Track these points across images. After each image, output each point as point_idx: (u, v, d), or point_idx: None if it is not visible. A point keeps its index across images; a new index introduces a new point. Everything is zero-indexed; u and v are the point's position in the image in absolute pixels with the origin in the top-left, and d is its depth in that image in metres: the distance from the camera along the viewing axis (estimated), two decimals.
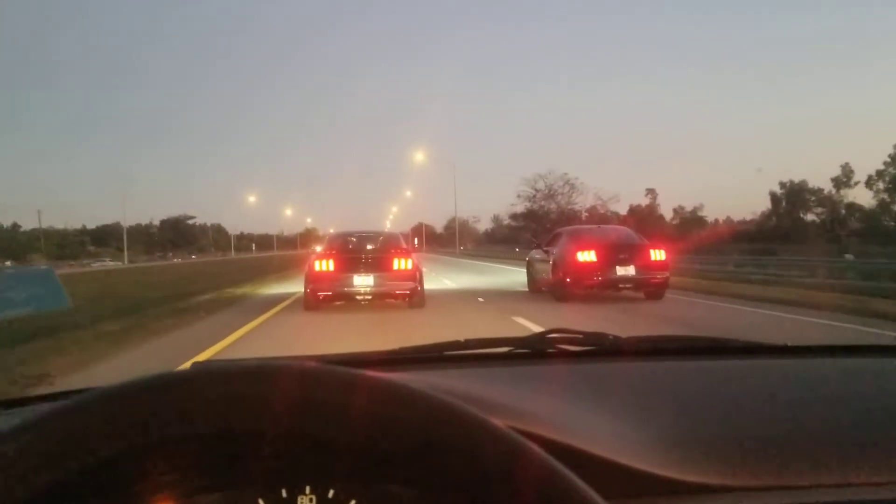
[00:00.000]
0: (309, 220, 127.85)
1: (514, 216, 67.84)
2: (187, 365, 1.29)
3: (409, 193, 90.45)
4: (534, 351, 1.31)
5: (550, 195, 63.67)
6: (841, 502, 0.70)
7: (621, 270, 11.24)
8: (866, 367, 1.23)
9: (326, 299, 10.31)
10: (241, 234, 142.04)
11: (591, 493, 0.46)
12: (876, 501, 0.70)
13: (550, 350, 1.30)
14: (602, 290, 11.54)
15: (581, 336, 1.32)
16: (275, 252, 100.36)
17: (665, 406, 0.93)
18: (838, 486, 0.72)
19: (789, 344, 1.38)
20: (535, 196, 64.62)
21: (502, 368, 1.20)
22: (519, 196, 64.77)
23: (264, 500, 0.60)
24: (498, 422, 0.49)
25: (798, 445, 0.80)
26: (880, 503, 0.70)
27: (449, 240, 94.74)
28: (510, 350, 1.30)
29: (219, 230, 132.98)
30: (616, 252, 11.38)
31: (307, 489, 0.59)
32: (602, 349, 1.32)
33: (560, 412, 0.85)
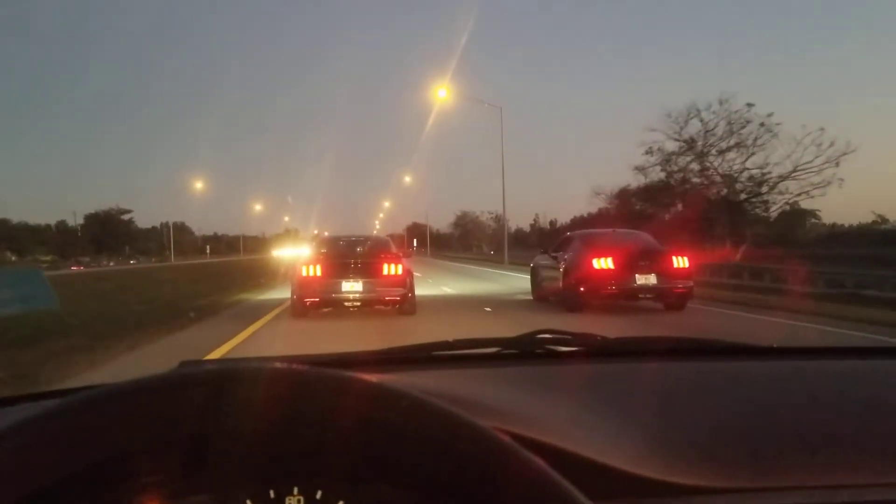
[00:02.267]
0: (286, 218, 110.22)
1: (625, 193, 35.75)
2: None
3: (408, 179, 77.46)
4: (522, 352, 1.30)
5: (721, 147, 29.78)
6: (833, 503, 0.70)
7: (641, 279, 10.16)
8: (852, 369, 1.23)
9: (314, 306, 9.88)
10: (215, 234, 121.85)
11: (578, 495, 0.46)
12: (860, 503, 0.70)
13: (539, 351, 1.29)
14: (619, 300, 10.41)
15: (570, 337, 1.31)
16: (239, 257, 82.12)
17: (652, 407, 0.93)
18: (823, 487, 0.72)
19: (775, 346, 1.38)
20: (689, 147, 30.37)
21: (490, 369, 1.20)
22: (649, 151, 31.40)
23: (252, 501, 0.59)
24: (485, 424, 0.49)
25: (784, 447, 0.80)
26: None
27: (461, 241, 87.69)
28: (498, 351, 1.29)
29: (182, 230, 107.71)
30: (636, 259, 10.30)
31: (295, 490, 0.59)
32: (590, 350, 1.32)
33: (548, 413, 0.85)
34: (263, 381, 0.49)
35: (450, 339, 1.28)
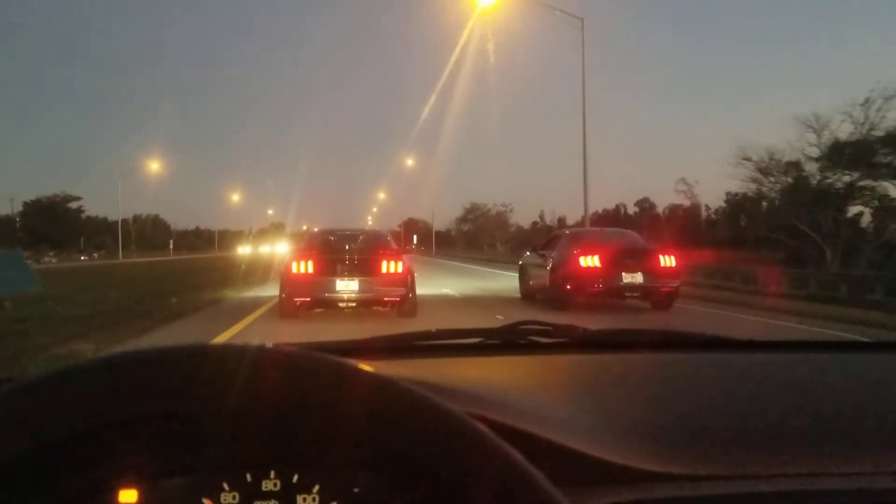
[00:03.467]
0: (270, 211, 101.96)
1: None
2: None
3: (409, 161, 62.63)
4: (504, 342, 1.32)
5: None
6: (798, 491, 0.71)
7: (628, 277, 10.21)
8: (830, 362, 1.26)
9: (304, 306, 9.15)
10: (197, 229, 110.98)
11: (547, 484, 0.47)
12: (834, 491, 0.72)
13: (521, 341, 1.31)
14: (605, 298, 10.44)
15: (551, 328, 1.32)
16: (213, 253, 72.77)
17: (632, 397, 0.95)
18: (796, 475, 0.73)
19: (756, 339, 1.39)
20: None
21: (472, 359, 1.22)
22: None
23: (228, 484, 0.59)
24: (459, 410, 0.50)
25: (760, 436, 0.81)
26: (838, 493, 0.71)
27: (468, 239, 76.65)
28: (480, 341, 1.30)
29: (155, 223, 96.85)
30: (622, 257, 10.38)
31: (272, 474, 0.59)
32: (572, 341, 1.32)
33: (526, 402, 0.85)
34: (240, 361, 0.49)
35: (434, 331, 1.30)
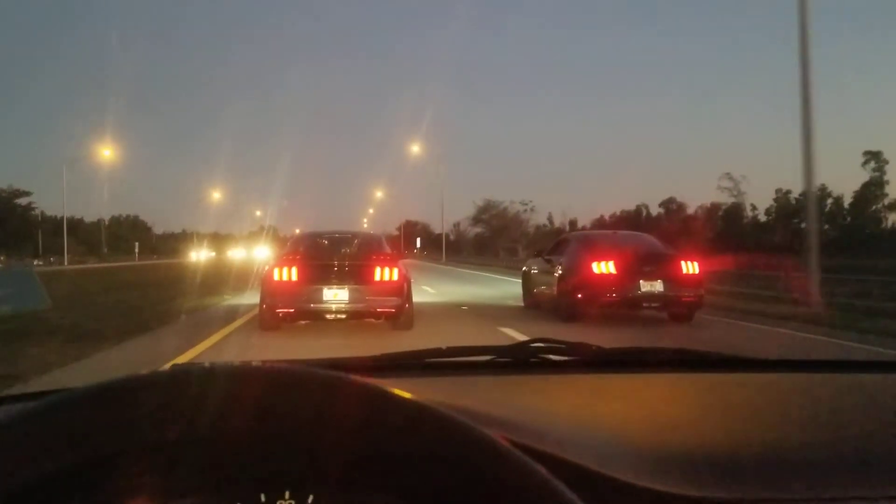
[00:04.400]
0: (258, 213, 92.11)
1: None
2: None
3: (408, 159, 53.44)
4: (516, 360, 1.30)
5: None
6: None
7: (646, 286, 9.22)
8: (853, 382, 1.23)
9: (287, 317, 8.22)
10: (184, 232, 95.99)
11: (575, 500, 0.46)
12: None
13: (534, 359, 1.28)
14: (620, 309, 9.40)
15: (564, 346, 1.30)
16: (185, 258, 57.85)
17: (650, 418, 0.93)
18: (820, 500, 0.72)
19: (771, 359, 1.38)
20: None
21: (484, 377, 1.20)
22: None
23: None
24: (482, 427, 0.49)
25: (783, 459, 0.80)
26: None
27: (484, 244, 67.88)
28: (492, 358, 1.28)
29: (134, 225, 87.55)
30: (640, 264, 9.36)
31: (287, 494, 0.58)
32: (586, 359, 1.31)
33: (543, 422, 0.84)
34: (255, 381, 0.48)
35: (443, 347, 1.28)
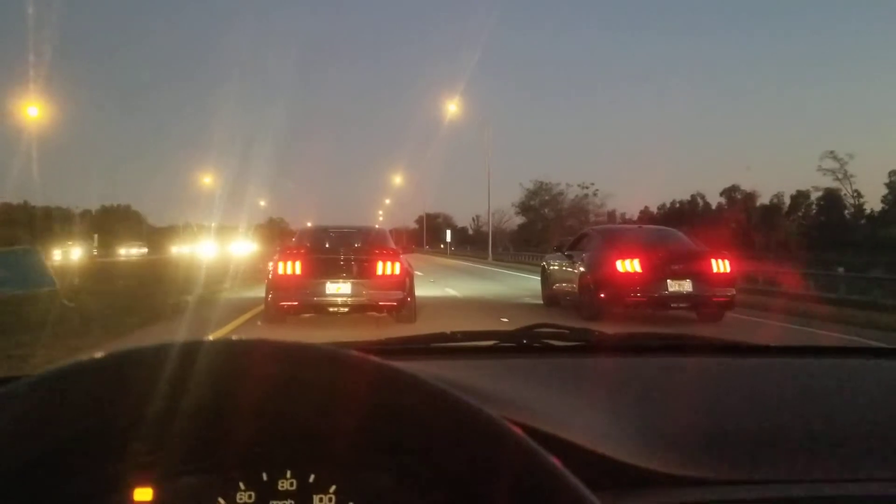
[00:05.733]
0: (262, 203, 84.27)
1: None
2: None
3: (450, 110, 38.91)
4: (520, 345, 1.32)
5: None
6: (813, 497, 0.71)
7: (674, 286, 8.71)
8: (845, 368, 1.25)
9: (292, 310, 8.38)
10: (186, 224, 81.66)
11: (579, 484, 0.46)
12: (846, 497, 0.71)
13: (537, 344, 1.31)
14: (646, 308, 8.85)
15: (567, 331, 1.33)
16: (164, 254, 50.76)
17: (649, 401, 0.95)
18: (811, 481, 0.73)
19: (772, 345, 1.38)
20: None
21: (489, 361, 1.21)
22: None
23: (244, 483, 0.59)
24: (487, 409, 0.49)
25: (786, 440, 0.82)
26: (850, 499, 0.71)
27: (532, 238, 52.30)
28: (496, 343, 1.31)
29: (126, 214, 77.58)
30: (668, 261, 8.82)
31: (288, 473, 0.58)
32: (588, 345, 1.33)
33: (544, 404, 0.85)
34: (259, 358, 0.48)
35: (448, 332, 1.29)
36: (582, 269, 9.54)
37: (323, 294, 8.15)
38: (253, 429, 0.52)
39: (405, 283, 8.42)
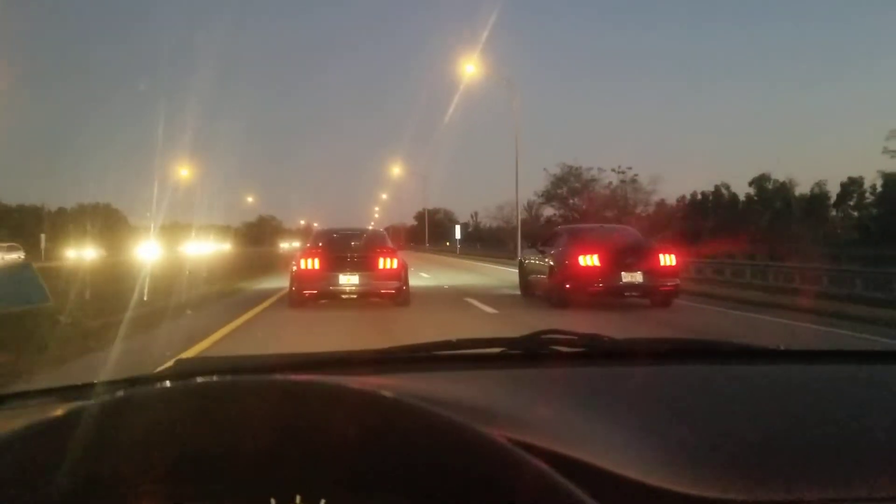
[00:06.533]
0: (250, 199, 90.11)
1: None
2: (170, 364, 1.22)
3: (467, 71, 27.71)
4: (527, 352, 1.28)
5: None
6: None
7: (627, 277, 10.44)
8: (872, 374, 1.20)
9: (311, 297, 10.58)
10: (176, 223, 73.19)
11: (585, 498, 0.46)
12: None
13: (544, 352, 1.27)
14: (605, 297, 10.59)
15: (576, 337, 1.28)
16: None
17: (667, 414, 0.91)
18: (847, 500, 0.69)
19: (788, 349, 1.37)
20: None
21: (495, 371, 1.19)
22: None
23: None
24: (496, 434, 0.49)
25: (804, 456, 0.77)
26: None
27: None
28: (502, 351, 1.27)
29: (106, 213, 71.50)
30: (622, 256, 10.51)
31: (297, 499, 0.58)
32: (597, 351, 1.29)
33: (558, 420, 0.83)
34: (262, 393, 0.50)
35: (451, 337, 1.25)
36: (551, 262, 11.31)
37: (337, 284, 10.33)
38: (259, 457, 0.52)
39: (401, 275, 10.60)
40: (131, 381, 1.07)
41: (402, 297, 10.60)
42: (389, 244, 11.49)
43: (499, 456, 0.48)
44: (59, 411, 0.49)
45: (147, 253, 26.05)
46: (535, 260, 12.51)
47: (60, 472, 0.47)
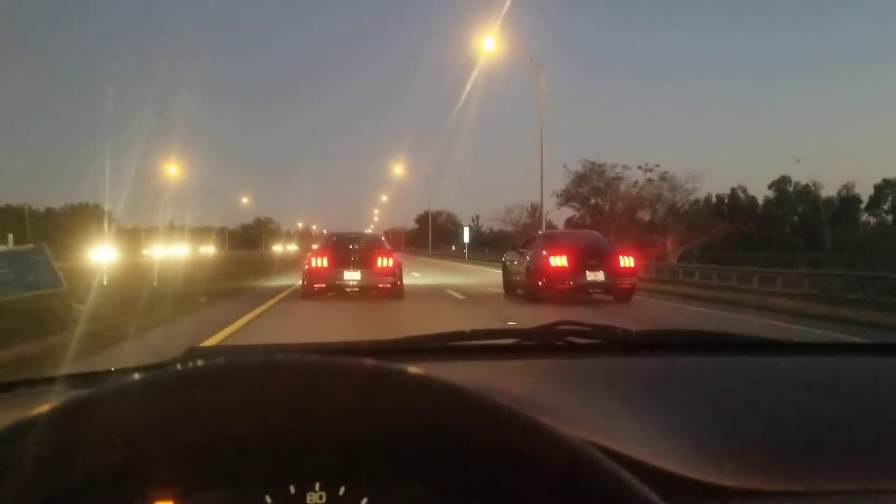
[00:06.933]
0: (244, 199, 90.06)
1: None
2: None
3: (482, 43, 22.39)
4: (541, 343, 1.30)
5: None
6: None
7: (591, 276, 12.14)
8: (884, 366, 1.22)
9: (321, 290, 12.60)
10: (172, 224, 68.91)
11: (620, 470, 0.46)
12: None
13: (559, 343, 1.28)
14: (573, 294, 12.26)
15: (589, 329, 1.30)
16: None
17: (685, 404, 0.92)
18: (869, 491, 0.68)
19: (802, 341, 1.41)
20: None
21: (509, 361, 1.22)
22: None
23: (271, 497, 0.58)
24: (516, 407, 0.48)
25: (824, 447, 0.78)
26: None
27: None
28: (517, 342, 1.29)
29: (93, 215, 65.88)
30: (587, 257, 12.20)
31: (317, 486, 0.57)
32: (610, 342, 1.31)
33: (580, 409, 0.84)
34: (282, 374, 0.49)
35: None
36: (527, 263, 13.09)
37: (342, 279, 12.38)
38: (280, 441, 0.51)
39: (396, 271, 12.66)
40: (142, 370, 1.08)
41: (396, 290, 12.59)
42: (386, 246, 13.65)
43: (559, 446, 0.46)
44: (70, 399, 0.47)
45: (101, 257, 22.83)
46: (515, 261, 14.30)
47: (76, 459, 0.46)
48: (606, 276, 12.24)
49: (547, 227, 22.25)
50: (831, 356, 1.33)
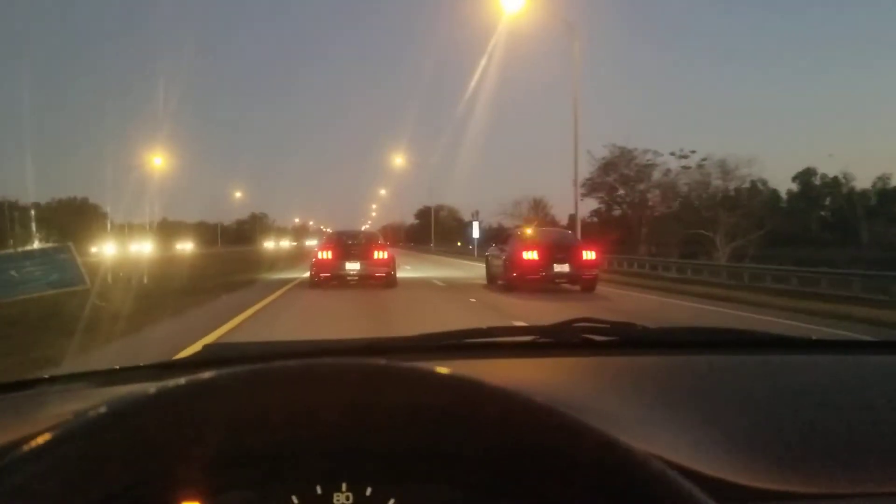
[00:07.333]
0: (238, 194, 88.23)
1: None
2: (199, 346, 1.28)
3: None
4: (559, 340, 1.30)
5: None
6: None
7: (558, 267, 14.10)
8: None
9: (326, 280, 14.98)
10: (164, 221, 76.45)
11: (655, 461, 0.45)
12: None
13: (576, 340, 1.28)
14: (543, 284, 14.15)
15: (608, 326, 1.31)
16: None
17: (704, 403, 0.92)
18: (881, 495, 0.67)
19: (822, 339, 1.42)
20: None
21: (526, 359, 1.23)
22: None
23: (298, 498, 0.57)
24: (594, 425, 0.47)
25: (852, 449, 0.76)
26: None
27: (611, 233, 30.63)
28: (535, 339, 1.29)
29: (81, 209, 69.12)
30: (554, 252, 14.12)
31: (343, 486, 0.57)
32: (629, 340, 1.33)
33: (596, 407, 0.83)
34: (312, 378, 0.49)
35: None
36: (504, 257, 15.10)
37: (344, 270, 14.69)
38: (304, 444, 0.51)
39: (391, 263, 15.08)
40: (160, 367, 1.10)
41: (390, 280, 14.85)
42: (382, 241, 16.30)
43: (604, 447, 0.45)
44: (102, 408, 0.46)
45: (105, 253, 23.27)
46: (496, 255, 16.32)
47: (127, 461, 0.46)
48: (572, 267, 14.21)
49: (569, 221, 21.41)
50: (856, 354, 1.31)
